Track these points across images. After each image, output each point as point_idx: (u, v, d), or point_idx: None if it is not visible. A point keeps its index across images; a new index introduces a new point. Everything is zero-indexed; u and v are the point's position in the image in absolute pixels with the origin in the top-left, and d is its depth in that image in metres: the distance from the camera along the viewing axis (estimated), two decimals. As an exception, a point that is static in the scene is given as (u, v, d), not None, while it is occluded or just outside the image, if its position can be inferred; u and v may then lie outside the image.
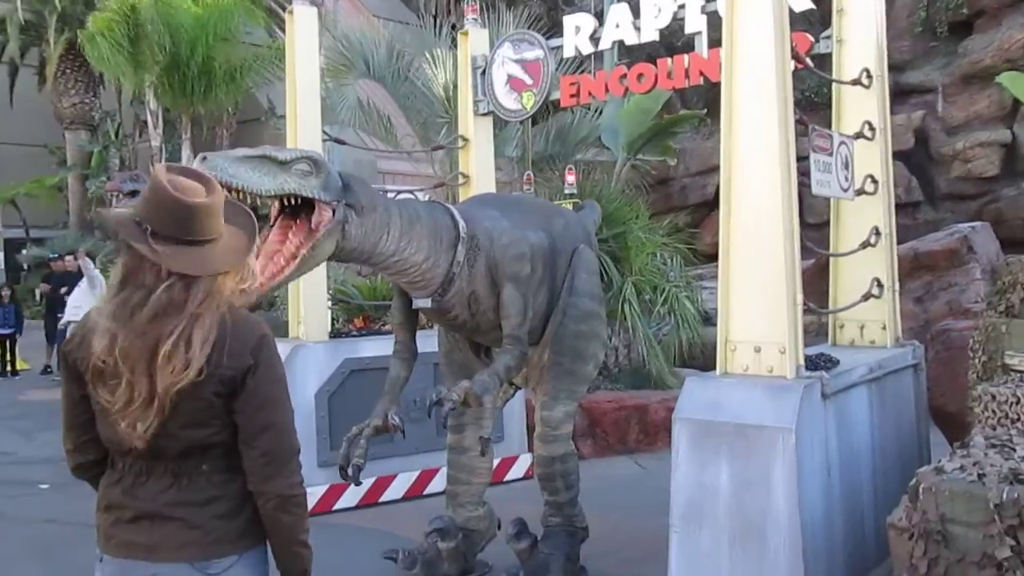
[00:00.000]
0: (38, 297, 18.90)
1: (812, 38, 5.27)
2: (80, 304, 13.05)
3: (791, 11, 5.15)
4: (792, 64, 4.26)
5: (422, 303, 4.37)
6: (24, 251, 25.69)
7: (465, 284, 4.32)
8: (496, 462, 7.00)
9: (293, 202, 3.61)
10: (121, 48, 18.56)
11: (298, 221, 3.69)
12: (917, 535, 3.38)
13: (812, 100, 13.04)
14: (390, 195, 7.12)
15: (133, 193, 22.80)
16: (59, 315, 13.76)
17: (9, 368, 14.32)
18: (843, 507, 4.12)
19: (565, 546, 4.88)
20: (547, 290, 4.70)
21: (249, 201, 3.41)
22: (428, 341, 5.29)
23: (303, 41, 6.62)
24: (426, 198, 7.38)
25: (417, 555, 5.00)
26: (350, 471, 4.39)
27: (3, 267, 23.81)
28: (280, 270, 3.63)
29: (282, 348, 6.48)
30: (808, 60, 4.96)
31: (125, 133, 26.54)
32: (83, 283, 13.31)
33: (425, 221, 4.18)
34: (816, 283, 5.53)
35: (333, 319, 8.12)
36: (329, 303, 7.95)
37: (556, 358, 4.78)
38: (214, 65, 19.26)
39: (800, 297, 4.04)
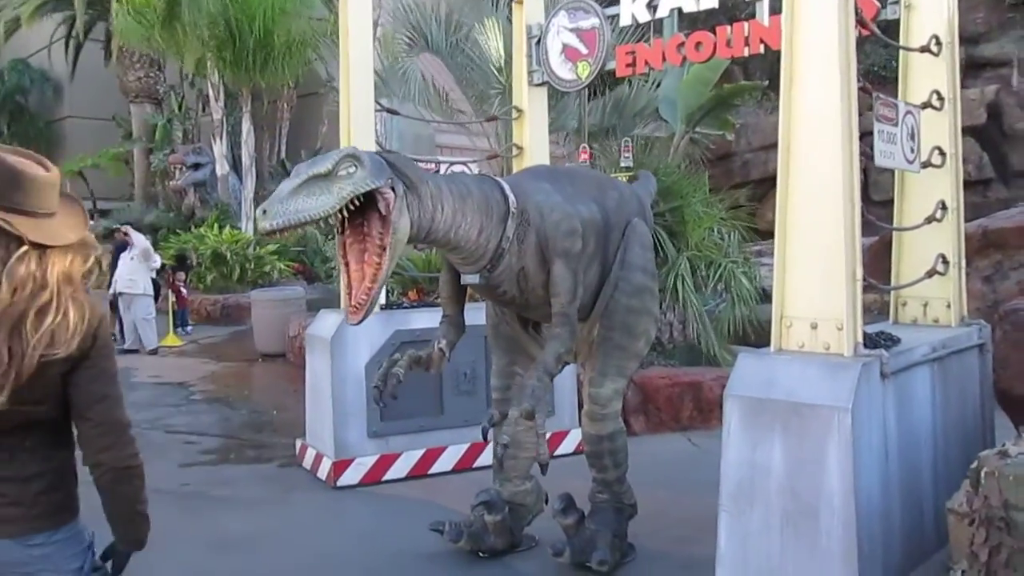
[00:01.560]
0: (104, 268, 19.35)
1: (878, 3, 5.05)
2: (131, 276, 13.34)
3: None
4: (857, 30, 4.09)
5: (471, 279, 4.31)
6: (91, 222, 26.26)
7: (515, 260, 4.24)
8: (547, 436, 6.99)
9: (357, 203, 3.59)
10: (153, 26, 18.83)
11: (366, 216, 3.68)
12: (978, 521, 3.24)
13: (880, 75, 12.65)
14: (442, 167, 7.14)
15: (196, 166, 23.24)
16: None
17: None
18: (901, 491, 3.98)
19: (612, 523, 4.82)
20: (599, 264, 4.61)
21: (324, 225, 3.54)
22: (479, 314, 5.24)
23: (356, 12, 6.57)
24: (476, 170, 7.34)
25: (463, 527, 4.99)
26: (385, 388, 4.41)
27: (73, 238, 24.28)
28: (378, 267, 3.64)
29: (333, 319, 6.59)
30: (874, 26, 4.76)
31: (188, 106, 26.90)
32: (127, 255, 13.55)
33: (476, 196, 4.11)
34: (880, 260, 5.36)
35: (388, 291, 8.14)
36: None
37: (606, 333, 4.69)
38: (273, 39, 19.40)
39: (860, 272, 3.89)
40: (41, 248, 2.19)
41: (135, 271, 13.42)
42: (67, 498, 2.40)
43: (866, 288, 4.04)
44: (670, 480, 6.32)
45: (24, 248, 2.17)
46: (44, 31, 29.70)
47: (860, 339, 3.90)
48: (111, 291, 13.87)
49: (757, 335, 7.64)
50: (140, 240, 13.56)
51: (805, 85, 3.93)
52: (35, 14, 27.30)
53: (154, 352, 13.36)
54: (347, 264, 3.71)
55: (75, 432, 2.34)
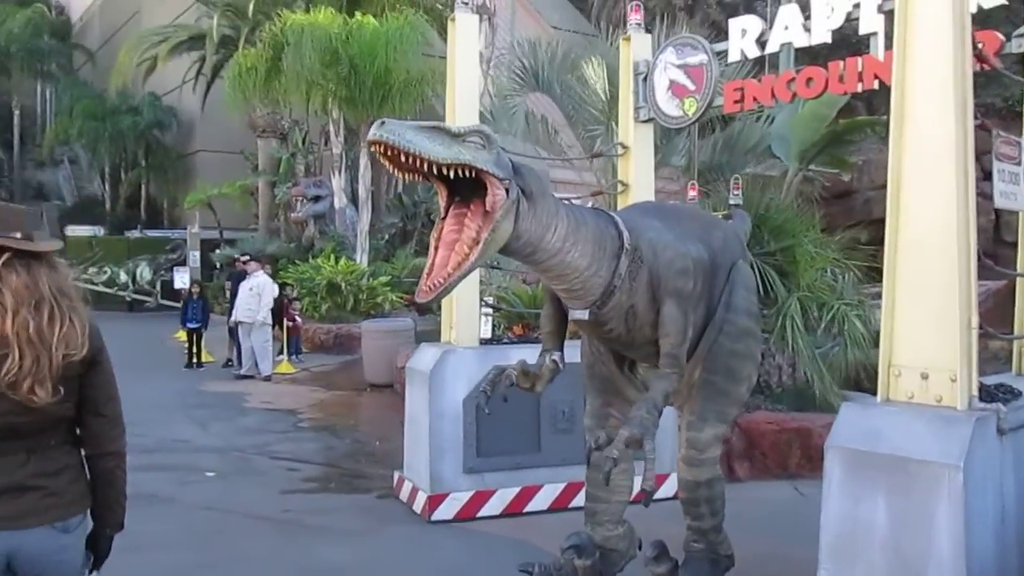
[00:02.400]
0: (227, 294, 20.12)
1: (1003, 37, 4.79)
2: (249, 305, 13.80)
3: (980, 8, 4.76)
4: (974, 64, 3.88)
5: (579, 314, 4.16)
6: (217, 251, 27.40)
7: (625, 297, 4.11)
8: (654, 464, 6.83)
9: (464, 173, 3.43)
10: (261, 78, 19.70)
11: (471, 207, 3.55)
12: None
13: (1015, 110, 12.03)
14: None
15: (316, 198, 23.98)
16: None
17: (195, 360, 15.24)
18: (1020, 556, 3.69)
19: (707, 573, 4.63)
20: (704, 306, 4.48)
21: (424, 167, 3.33)
22: (578, 351, 5.15)
23: (463, 48, 6.66)
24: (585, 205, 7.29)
25: (553, 570, 4.87)
26: (490, 395, 4.35)
27: (199, 265, 25.42)
28: (465, 257, 3.48)
29: (432, 352, 6.62)
30: (996, 60, 4.51)
31: (311, 141, 27.85)
32: (246, 284, 14.03)
33: (591, 226, 3.98)
34: (1006, 306, 5.05)
35: (494, 325, 8.15)
36: (490, 309, 7.99)
37: (708, 376, 4.54)
38: (392, 77, 19.92)
39: (975, 319, 3.66)
40: (26, 260, 2.61)
41: (252, 301, 13.88)
42: (86, 487, 2.79)
43: (984, 336, 3.80)
44: (773, 530, 6.07)
45: (7, 255, 2.58)
46: (179, 70, 31.38)
47: (975, 392, 3.66)
48: (231, 319, 14.40)
49: (871, 381, 7.27)
50: (256, 276, 14.05)
51: (917, 122, 3.74)
52: (171, 53, 28.87)
53: (268, 379, 13.75)
54: (436, 248, 3.54)
55: (85, 427, 2.76)
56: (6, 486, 2.58)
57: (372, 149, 3.33)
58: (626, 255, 4.05)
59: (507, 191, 3.52)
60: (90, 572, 2.91)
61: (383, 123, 3.26)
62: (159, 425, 10.05)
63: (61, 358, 2.57)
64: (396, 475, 7.16)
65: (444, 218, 3.59)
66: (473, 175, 3.45)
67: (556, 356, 4.44)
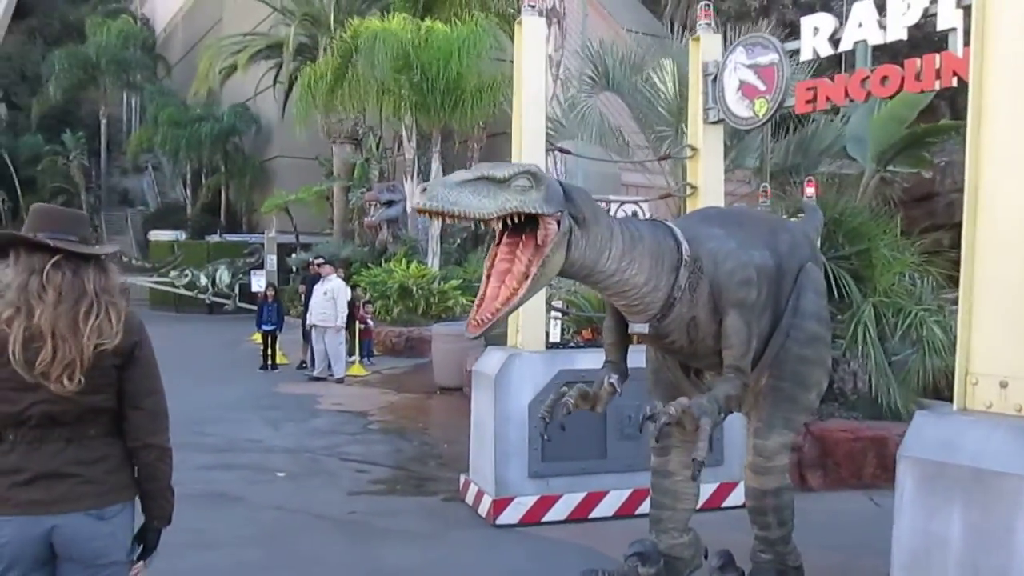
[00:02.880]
0: (302, 297, 20.48)
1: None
2: (323, 309, 13.99)
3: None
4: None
5: (639, 328, 4.12)
6: (293, 255, 27.92)
7: (686, 309, 4.05)
8: (713, 487, 6.73)
9: (517, 219, 3.51)
10: (329, 86, 19.97)
11: (524, 237, 3.58)
12: None
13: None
14: (613, 205, 7.06)
15: (389, 203, 24.26)
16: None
17: (270, 362, 15.52)
18: (1107, 576, 3.50)
19: (775, 585, 4.52)
20: (771, 312, 4.37)
21: (474, 226, 3.44)
22: (644, 356, 5.08)
23: (530, 51, 6.64)
24: (647, 210, 7.21)
25: (616, 577, 4.82)
26: (548, 422, 4.32)
27: (275, 269, 25.92)
28: (514, 292, 3.54)
29: (498, 356, 6.61)
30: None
31: (385, 147, 28.20)
32: (320, 287, 14.20)
33: (648, 241, 3.94)
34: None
35: (563, 329, 8.11)
36: (559, 313, 7.96)
37: (775, 383, 4.43)
38: (464, 83, 20.04)
39: (1058, 326, 3.49)
40: (76, 261, 2.74)
41: (327, 305, 14.07)
42: (129, 478, 2.90)
43: (1067, 344, 3.62)
44: (845, 542, 5.91)
45: (56, 257, 2.71)
46: (256, 77, 32.10)
47: (1058, 401, 3.49)
48: (307, 323, 14.62)
49: (951, 389, 7.03)
50: (330, 280, 14.20)
51: (996, 120, 3.59)
52: (250, 61, 29.55)
53: (340, 381, 13.93)
54: (488, 277, 3.60)
55: (125, 419, 2.85)
56: (44, 472, 2.71)
57: (419, 215, 3.45)
58: (685, 267, 3.99)
59: (559, 223, 3.54)
60: (136, 561, 2.99)
61: (424, 189, 3.35)
62: (232, 425, 10.26)
63: (92, 348, 2.67)
64: (462, 478, 7.18)
65: (498, 244, 3.63)
66: (524, 217, 3.49)
67: (614, 379, 4.37)
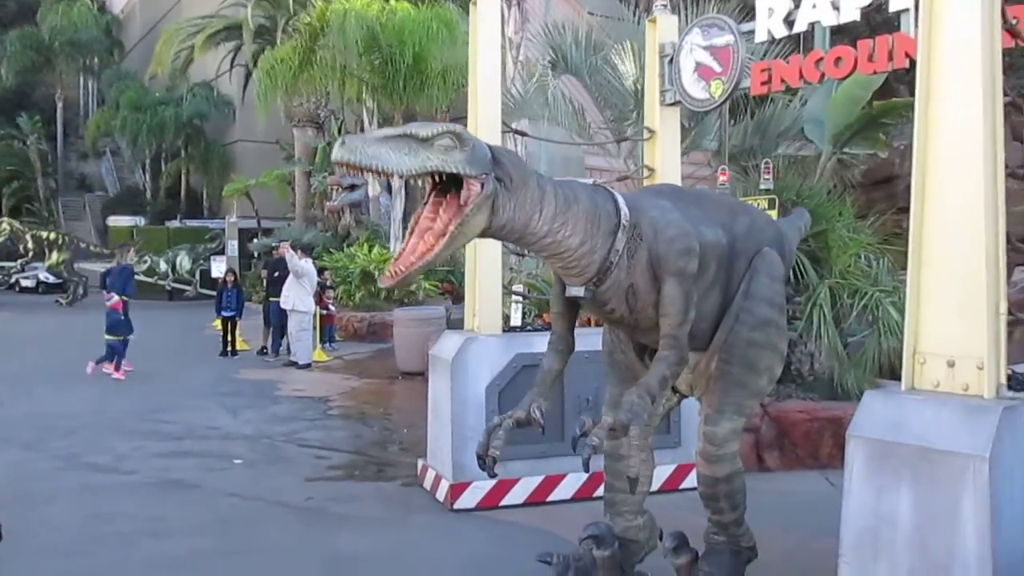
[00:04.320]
0: (263, 283, 20.28)
1: (1039, 11, 4.61)
2: (289, 294, 13.82)
3: (1015, -19, 4.58)
4: (1007, 40, 3.72)
5: (575, 291, 4.10)
6: (255, 240, 27.65)
7: (623, 276, 4.03)
8: (671, 469, 6.75)
9: (441, 179, 3.48)
10: (294, 70, 19.73)
11: (448, 197, 3.56)
12: None
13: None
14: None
15: (352, 187, 24.07)
16: (272, 298, 14.62)
17: (230, 348, 15.35)
18: (1051, 551, 3.55)
19: (728, 566, 4.52)
20: (720, 292, 4.35)
21: (396, 181, 3.39)
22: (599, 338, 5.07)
23: (485, 33, 6.57)
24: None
25: (571, 561, 4.80)
26: (487, 461, 4.21)
27: (237, 255, 25.67)
28: (429, 248, 3.52)
29: (455, 340, 6.57)
30: (1032, 36, 4.34)
31: (347, 130, 27.94)
32: (301, 272, 14.02)
33: (583, 204, 3.91)
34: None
35: (524, 312, 8.08)
36: (519, 296, 7.93)
37: (725, 367, 4.41)
38: (426, 65, 19.87)
39: (1004, 305, 3.53)
40: None
41: (290, 287, 13.92)
42: None
43: (1014, 323, 3.65)
44: (801, 522, 5.93)
45: None
46: (219, 60, 31.65)
47: (1004, 380, 3.53)
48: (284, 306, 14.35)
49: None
50: (294, 263, 13.98)
51: (943, 99, 3.61)
52: (207, 43, 29.10)
53: (307, 367, 13.79)
54: (411, 233, 3.57)
55: None
56: None
57: (338, 167, 3.36)
58: (623, 232, 3.96)
59: (483, 185, 3.52)
60: None
61: (343, 142, 3.29)
62: (191, 412, 10.14)
63: None
64: (420, 463, 7.14)
65: (425, 203, 3.59)
66: (448, 176, 3.47)
67: (539, 406, 4.25)
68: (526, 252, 8.69)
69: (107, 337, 12.97)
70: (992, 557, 3.25)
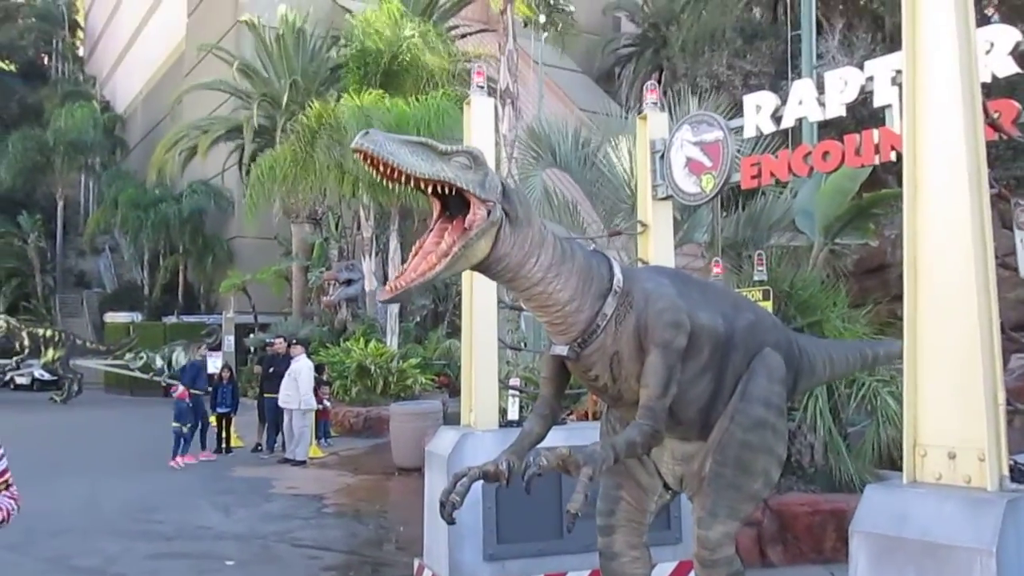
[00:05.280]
0: (258, 378, 20.16)
1: (1019, 105, 4.71)
2: (287, 391, 13.73)
3: (995, 77, 4.69)
4: (989, 133, 3.80)
5: (559, 349, 4.07)
6: (251, 335, 27.61)
7: (609, 341, 3.99)
8: (672, 566, 6.60)
9: (447, 191, 3.47)
10: (288, 171, 20.11)
11: (454, 222, 3.57)
12: None
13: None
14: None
15: (348, 282, 24.19)
16: (267, 394, 14.52)
17: (224, 445, 15.16)
18: (1063, 649, 3.45)
19: (731, 666, 4.38)
20: (712, 380, 4.29)
21: (405, 183, 3.38)
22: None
23: (478, 130, 6.69)
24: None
25: (573, 664, 4.67)
26: (446, 507, 3.99)
27: (233, 350, 25.57)
28: (431, 267, 3.51)
29: (451, 436, 6.50)
30: (1014, 129, 4.43)
31: (344, 226, 28.22)
32: (292, 370, 13.94)
33: (579, 261, 3.93)
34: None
35: (521, 406, 8.02)
36: (516, 391, 7.87)
37: (719, 469, 4.31)
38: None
39: (1003, 395, 3.50)
40: None
41: (291, 387, 13.82)
42: None
43: (1013, 412, 3.63)
44: (808, 620, 5.80)
45: None
46: (218, 158, 32.16)
47: (1007, 471, 3.48)
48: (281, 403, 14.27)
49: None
50: (297, 361, 14.01)
51: (930, 192, 3.66)
52: (211, 146, 29.62)
53: (302, 463, 13.60)
54: (415, 253, 3.57)
55: None
56: None
57: (355, 156, 3.37)
58: (614, 297, 3.96)
59: (489, 211, 3.53)
60: None
61: (367, 133, 3.31)
62: (183, 511, 9.96)
63: None
64: (416, 563, 6.98)
65: (431, 229, 3.62)
66: (454, 192, 3.48)
67: (508, 461, 4.06)
68: (521, 306, 8.68)
69: (174, 425, 13.90)
70: (1003, 656, 3.15)
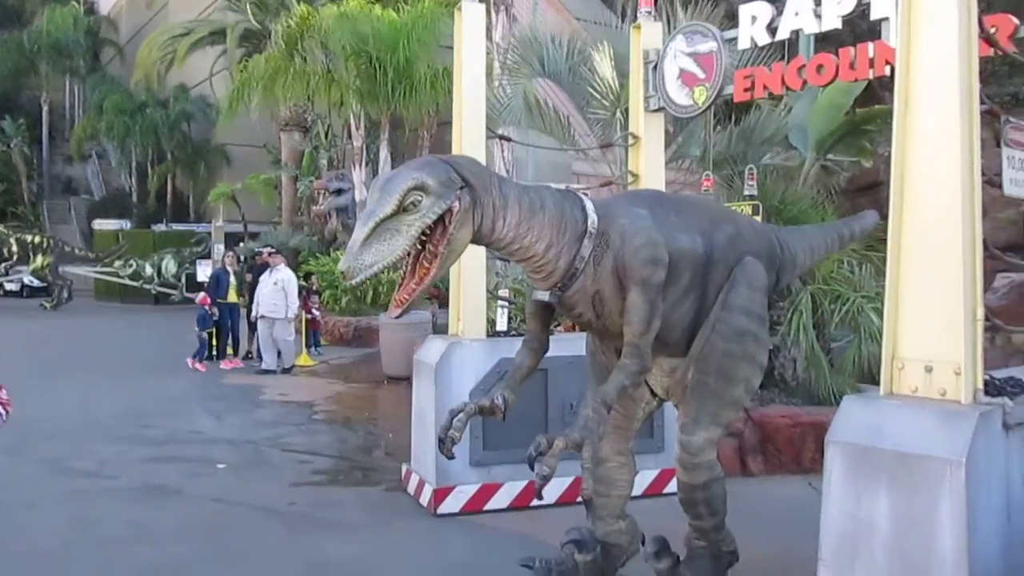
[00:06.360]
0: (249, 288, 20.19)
1: (1017, 21, 4.65)
2: (274, 300, 13.77)
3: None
4: (984, 48, 3.77)
5: (541, 295, 4.18)
6: (241, 244, 27.55)
7: (590, 282, 4.07)
8: (655, 474, 6.77)
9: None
10: (273, 78, 19.73)
11: (435, 223, 3.68)
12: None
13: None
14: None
15: (338, 192, 24.05)
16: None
17: (215, 353, 15.26)
18: (1028, 556, 3.58)
19: (708, 570, 4.55)
20: (695, 300, 4.35)
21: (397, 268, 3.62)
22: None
23: (470, 38, 6.60)
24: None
25: (553, 565, 4.81)
26: (446, 443, 4.20)
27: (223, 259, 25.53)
28: (426, 272, 3.66)
29: (439, 345, 6.57)
30: (1010, 45, 4.38)
31: (334, 134, 27.91)
32: (270, 278, 13.97)
33: (549, 210, 3.97)
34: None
35: (510, 317, 8.09)
36: (505, 302, 7.93)
37: (701, 377, 4.41)
38: (413, 70, 19.84)
39: (981, 311, 3.55)
40: None
41: (277, 295, 13.87)
42: None
43: (991, 329, 3.69)
44: (783, 526, 5.96)
45: None
46: (207, 63, 31.55)
47: (981, 385, 3.55)
48: (252, 314, 14.41)
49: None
50: (291, 280, 14.10)
51: (921, 107, 3.64)
52: (192, 49, 29.03)
53: (288, 371, 13.77)
54: (408, 266, 3.70)
55: None
56: None
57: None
58: (590, 239, 4.01)
59: (460, 200, 3.65)
60: None
61: (344, 272, 3.52)
62: (174, 417, 10.10)
63: None
64: (404, 468, 7.14)
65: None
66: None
67: (503, 397, 4.27)
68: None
69: (198, 331, 14.64)
70: (968, 562, 3.27)
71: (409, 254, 3.66)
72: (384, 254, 3.49)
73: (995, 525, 3.43)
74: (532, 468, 3.92)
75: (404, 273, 3.67)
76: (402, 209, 3.53)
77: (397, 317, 3.72)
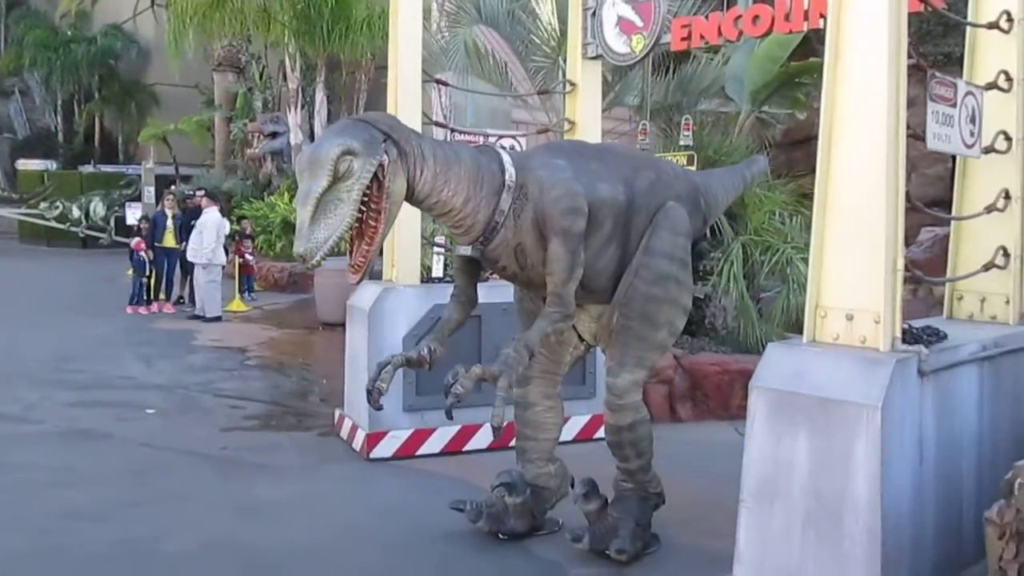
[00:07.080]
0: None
1: (946, -24, 4.72)
2: (193, 244, 13.47)
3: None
4: (916, 4, 3.81)
5: (464, 250, 4.27)
6: (172, 187, 26.88)
7: (511, 235, 4.12)
8: (586, 419, 6.87)
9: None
10: (207, 13, 19.11)
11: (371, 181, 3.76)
12: (1008, 535, 3.00)
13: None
14: (491, 140, 6.99)
15: (273, 135, 23.53)
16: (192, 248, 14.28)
17: (146, 298, 14.94)
18: (936, 498, 3.73)
19: (635, 511, 4.66)
20: (618, 247, 4.41)
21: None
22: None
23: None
24: (524, 145, 7.18)
25: (484, 507, 4.90)
26: (373, 395, 4.31)
27: (154, 201, 24.89)
28: (375, 230, 3.76)
29: (372, 290, 6.54)
30: (940, 1, 4.45)
31: (269, 76, 27.20)
32: (199, 223, 13.66)
33: (466, 164, 4.03)
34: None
35: (446, 264, 8.07)
36: (441, 248, 7.91)
37: (625, 321, 4.49)
38: (350, 11, 19.40)
39: (901, 262, 3.64)
40: None
41: (195, 239, 13.57)
42: None
43: (911, 280, 3.80)
44: (711, 471, 6.08)
45: None
46: (134, -1, 30.42)
47: (899, 333, 3.66)
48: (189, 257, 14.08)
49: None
50: (213, 219, 13.71)
51: (850, 59, 3.68)
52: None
53: (217, 319, 13.50)
54: (356, 230, 3.79)
55: None
56: None
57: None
58: (508, 192, 4.06)
59: (387, 152, 3.73)
60: None
61: (301, 256, 3.63)
62: (103, 362, 9.91)
63: None
64: (337, 413, 7.13)
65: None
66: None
67: (430, 347, 4.45)
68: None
69: (130, 274, 14.62)
70: (881, 502, 3.39)
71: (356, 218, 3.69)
72: (335, 225, 3.56)
73: (907, 468, 3.56)
74: (446, 396, 4.01)
75: (351, 239, 3.70)
76: (336, 178, 3.57)
77: (357, 283, 3.80)
